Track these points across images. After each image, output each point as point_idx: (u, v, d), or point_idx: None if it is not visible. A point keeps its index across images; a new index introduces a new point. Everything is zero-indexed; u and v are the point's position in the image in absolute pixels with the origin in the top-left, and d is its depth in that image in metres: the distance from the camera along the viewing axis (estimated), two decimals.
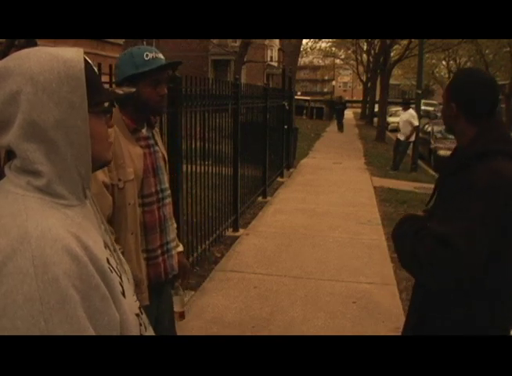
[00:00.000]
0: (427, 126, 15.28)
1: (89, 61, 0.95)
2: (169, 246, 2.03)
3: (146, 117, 1.94)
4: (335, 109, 26.49)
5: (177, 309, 2.18)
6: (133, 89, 1.13)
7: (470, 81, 1.68)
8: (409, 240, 1.64)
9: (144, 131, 1.95)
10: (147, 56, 1.82)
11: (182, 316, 2.22)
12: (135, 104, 1.84)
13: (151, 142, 1.98)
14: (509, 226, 1.54)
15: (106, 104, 0.97)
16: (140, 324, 1.01)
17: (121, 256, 1.06)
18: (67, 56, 0.89)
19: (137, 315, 1.00)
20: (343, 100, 27.43)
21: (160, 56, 1.86)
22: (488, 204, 1.50)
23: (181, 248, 2.25)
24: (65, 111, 0.87)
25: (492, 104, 1.67)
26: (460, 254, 1.48)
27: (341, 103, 26.17)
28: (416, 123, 11.31)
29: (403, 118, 11.63)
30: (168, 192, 2.05)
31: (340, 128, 23.65)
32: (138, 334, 0.99)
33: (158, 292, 2.00)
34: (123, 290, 0.94)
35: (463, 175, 1.60)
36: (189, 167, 4.32)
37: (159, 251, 1.97)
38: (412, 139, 11.52)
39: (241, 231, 6.00)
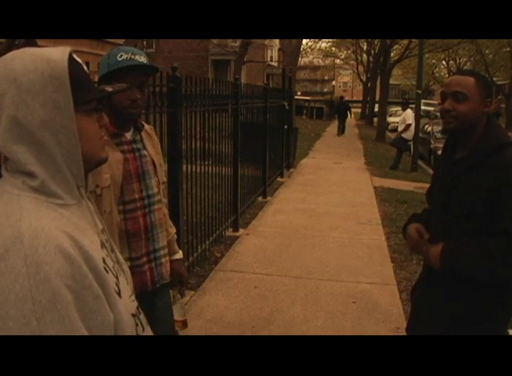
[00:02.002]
0: (427, 126, 15.27)
1: (77, 59, 0.94)
2: (157, 254, 1.94)
3: (124, 121, 1.83)
4: (337, 110, 23.43)
5: (177, 317, 2.13)
6: (124, 85, 1.12)
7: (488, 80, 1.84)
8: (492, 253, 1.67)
9: (128, 135, 1.85)
10: (121, 56, 1.73)
11: (184, 324, 2.17)
12: (108, 108, 1.68)
13: (136, 146, 1.88)
14: None
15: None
16: (137, 324, 1.00)
17: (119, 256, 1.06)
18: (51, 56, 0.89)
19: (133, 315, 1.00)
20: (344, 100, 24.96)
21: (138, 58, 1.76)
22: None
23: (178, 256, 2.17)
24: (51, 111, 0.87)
25: None
26: None
27: (342, 103, 23.72)
28: (409, 121, 11.59)
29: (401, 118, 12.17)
30: (157, 197, 1.95)
31: (342, 130, 21.61)
32: (135, 334, 0.98)
33: (148, 301, 1.87)
34: (119, 290, 0.94)
35: (486, 169, 1.70)
36: (189, 167, 4.32)
37: (144, 259, 1.89)
38: (407, 136, 11.69)
39: (241, 231, 6.00)
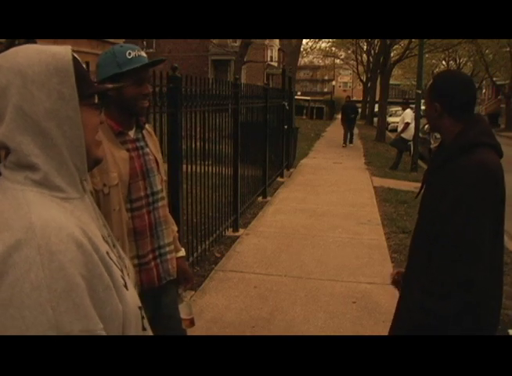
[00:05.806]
0: (426, 126, 15.25)
1: (77, 57, 0.96)
2: (162, 250, 1.96)
3: (130, 119, 1.86)
4: (344, 113, 17.60)
5: (184, 316, 2.13)
6: (122, 84, 1.13)
7: (450, 81, 1.78)
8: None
9: (131, 133, 1.88)
10: (130, 54, 1.75)
11: (191, 322, 2.17)
12: (119, 105, 1.77)
13: (140, 144, 1.91)
14: (498, 216, 1.63)
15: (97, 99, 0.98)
16: (143, 317, 1.01)
17: (121, 251, 1.06)
18: (55, 50, 0.91)
19: (140, 307, 1.01)
20: (351, 100, 19.74)
21: (143, 53, 1.81)
22: (477, 197, 1.58)
23: (182, 253, 2.19)
24: (55, 102, 0.88)
25: (472, 100, 1.78)
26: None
27: (349, 104, 18.25)
28: (407, 120, 11.64)
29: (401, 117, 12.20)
30: (161, 195, 1.97)
31: (350, 139, 17.40)
32: (140, 327, 0.99)
33: (154, 298, 1.95)
34: (125, 282, 0.94)
35: (449, 169, 1.67)
36: (189, 167, 4.32)
37: (150, 256, 1.91)
38: (406, 136, 11.72)
39: (241, 231, 6.00)
